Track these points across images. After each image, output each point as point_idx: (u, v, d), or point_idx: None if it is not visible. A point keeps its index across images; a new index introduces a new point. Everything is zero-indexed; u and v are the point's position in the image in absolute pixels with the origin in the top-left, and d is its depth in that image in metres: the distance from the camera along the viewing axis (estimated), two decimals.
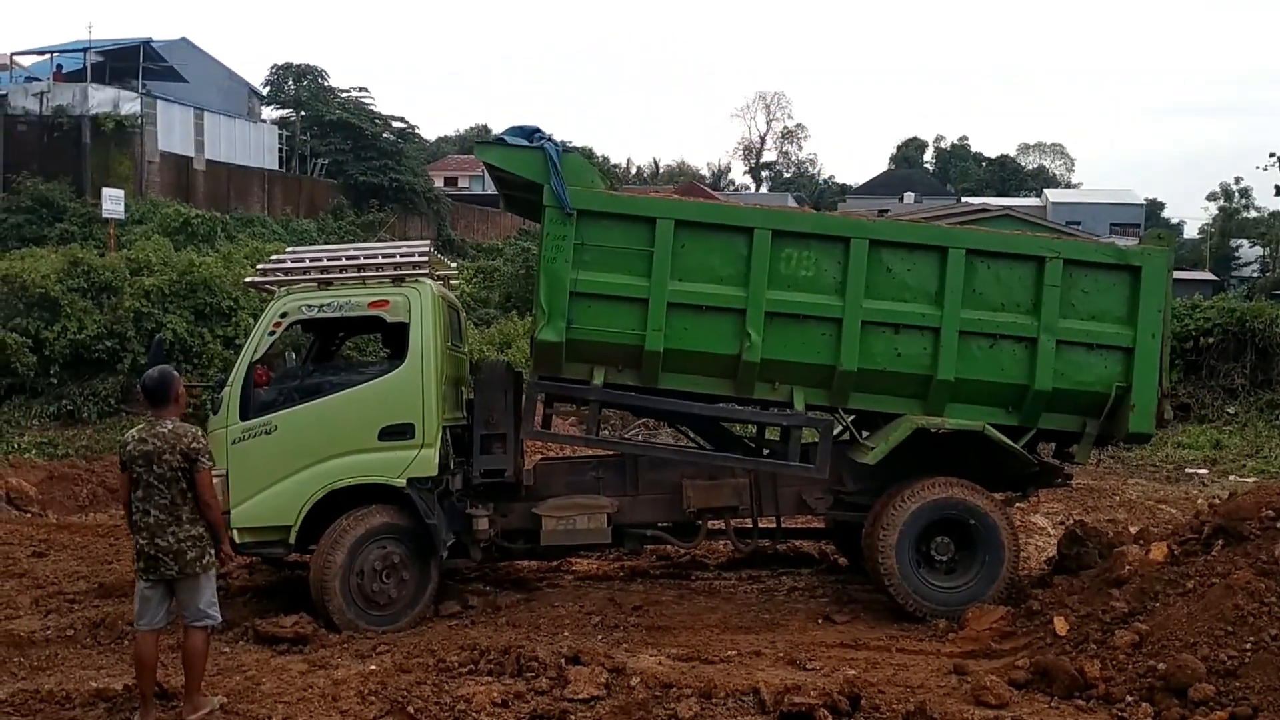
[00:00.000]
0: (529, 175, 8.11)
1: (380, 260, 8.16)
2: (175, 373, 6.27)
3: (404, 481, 7.87)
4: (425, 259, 8.17)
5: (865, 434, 8.55)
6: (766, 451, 9.20)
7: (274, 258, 8.63)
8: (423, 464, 7.91)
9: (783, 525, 9.35)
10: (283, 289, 8.05)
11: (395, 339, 8.22)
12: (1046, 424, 8.39)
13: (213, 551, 6.12)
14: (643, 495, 8.76)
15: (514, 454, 8.45)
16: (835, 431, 8.57)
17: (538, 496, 8.60)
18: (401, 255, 8.26)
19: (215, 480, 7.63)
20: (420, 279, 8.08)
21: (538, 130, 8.30)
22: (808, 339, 8.13)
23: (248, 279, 8.91)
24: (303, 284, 8.03)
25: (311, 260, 8.23)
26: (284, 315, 7.88)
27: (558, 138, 8.36)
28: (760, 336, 8.03)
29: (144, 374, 6.23)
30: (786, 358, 8.13)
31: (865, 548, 8.51)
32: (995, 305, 8.17)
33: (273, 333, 7.85)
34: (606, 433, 12.14)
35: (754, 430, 10.01)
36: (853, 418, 8.73)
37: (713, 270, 8.09)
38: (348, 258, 8.25)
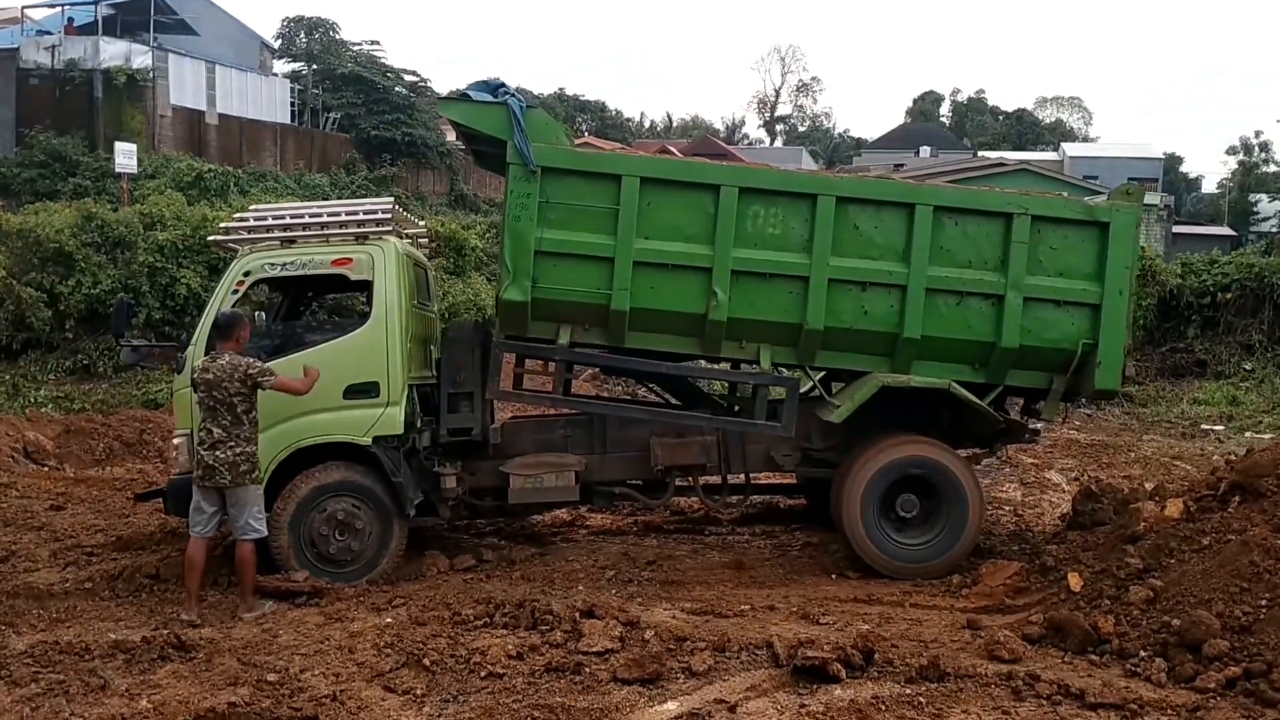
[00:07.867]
0: (492, 131, 8.02)
1: (343, 218, 8.14)
2: (244, 318, 7.55)
3: (369, 440, 7.89)
4: (389, 216, 8.15)
5: (838, 387, 8.51)
6: (735, 409, 9.19)
7: (237, 216, 8.63)
8: (388, 422, 7.93)
9: (753, 482, 9.36)
10: (246, 247, 8.05)
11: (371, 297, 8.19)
12: (1013, 381, 8.35)
13: (259, 469, 7.29)
14: (611, 453, 8.77)
15: (481, 412, 8.46)
16: (803, 389, 8.55)
17: (506, 455, 8.62)
18: (365, 212, 8.22)
19: (178, 441, 7.77)
20: (384, 236, 8.06)
21: (502, 85, 8.18)
22: (774, 297, 8.08)
23: (212, 238, 8.92)
24: (266, 242, 8.02)
25: (275, 218, 8.20)
26: (247, 274, 7.87)
27: (522, 92, 8.27)
28: (727, 295, 7.98)
29: (219, 313, 7.45)
30: (753, 316, 8.09)
31: (832, 505, 8.53)
32: (962, 262, 8.10)
33: (236, 291, 7.82)
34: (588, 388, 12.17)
35: (725, 387, 9.98)
36: (821, 375, 8.70)
37: (679, 228, 8.02)
38: (311, 215, 8.24)
